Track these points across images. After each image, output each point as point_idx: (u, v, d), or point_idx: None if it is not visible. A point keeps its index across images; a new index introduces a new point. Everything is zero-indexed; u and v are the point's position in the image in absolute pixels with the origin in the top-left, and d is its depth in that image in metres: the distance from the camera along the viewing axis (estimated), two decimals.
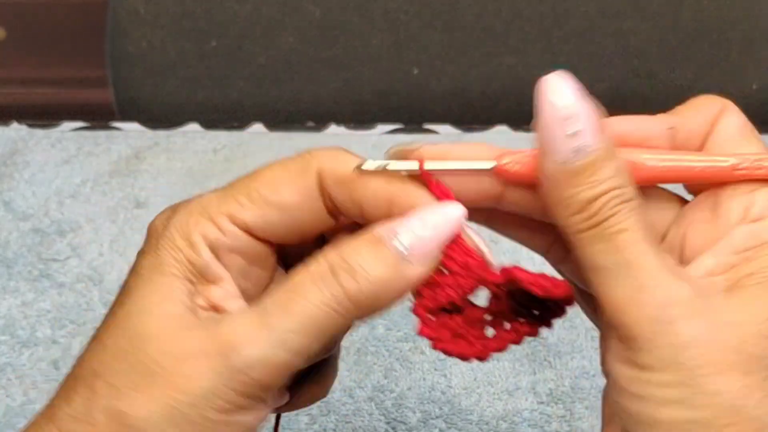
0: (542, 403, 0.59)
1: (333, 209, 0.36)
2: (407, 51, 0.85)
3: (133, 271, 0.36)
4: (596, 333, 0.67)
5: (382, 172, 0.36)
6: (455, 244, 0.36)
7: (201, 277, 0.35)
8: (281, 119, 0.87)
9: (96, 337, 0.35)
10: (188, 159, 0.79)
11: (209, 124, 0.85)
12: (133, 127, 0.84)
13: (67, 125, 0.84)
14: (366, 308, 0.34)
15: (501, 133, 0.83)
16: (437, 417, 0.58)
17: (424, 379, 0.60)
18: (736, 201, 0.35)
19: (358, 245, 0.34)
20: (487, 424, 0.58)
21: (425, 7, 0.83)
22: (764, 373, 0.31)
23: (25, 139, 0.80)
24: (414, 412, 0.59)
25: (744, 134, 0.36)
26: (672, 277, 0.32)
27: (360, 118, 0.86)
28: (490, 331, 0.37)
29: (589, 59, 0.84)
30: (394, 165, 0.36)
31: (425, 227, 0.34)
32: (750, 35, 0.84)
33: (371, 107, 0.87)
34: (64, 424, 0.33)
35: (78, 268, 0.69)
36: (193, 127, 0.85)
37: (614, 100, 0.92)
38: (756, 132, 0.37)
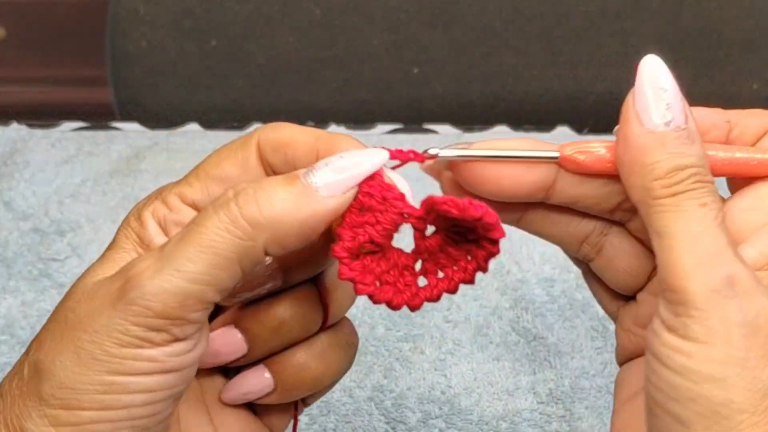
0: (542, 403, 0.59)
1: (267, 170, 0.37)
2: (407, 51, 0.85)
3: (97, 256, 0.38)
4: (596, 333, 0.67)
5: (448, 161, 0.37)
6: (374, 181, 0.36)
7: (147, 247, 0.36)
8: (281, 119, 0.86)
9: (53, 317, 0.37)
10: (188, 159, 0.78)
11: (209, 124, 0.85)
12: (133, 127, 0.84)
13: (67, 125, 0.84)
14: (267, 231, 0.33)
15: (501, 133, 0.83)
16: (437, 417, 0.58)
17: (424, 379, 0.60)
18: None
19: (270, 179, 0.34)
20: (487, 424, 0.58)
21: (425, 7, 0.83)
22: None
23: (25, 139, 0.80)
24: (414, 412, 0.59)
25: None
26: (737, 258, 0.33)
27: (360, 117, 0.86)
28: (422, 282, 0.37)
29: (589, 59, 0.84)
30: (462, 152, 0.37)
31: (342, 164, 0.35)
32: (750, 35, 0.84)
33: (371, 107, 0.87)
34: (5, 385, 0.35)
35: (78, 268, 0.69)
36: (193, 127, 0.85)
37: (614, 100, 0.92)
38: None
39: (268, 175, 0.37)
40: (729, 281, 0.32)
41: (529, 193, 0.37)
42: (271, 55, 0.85)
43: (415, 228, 0.37)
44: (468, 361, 0.61)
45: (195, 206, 0.37)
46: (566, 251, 0.41)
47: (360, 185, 0.35)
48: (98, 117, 0.86)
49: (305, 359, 0.40)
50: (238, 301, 0.40)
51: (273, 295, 0.39)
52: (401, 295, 0.36)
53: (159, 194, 0.38)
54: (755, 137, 0.38)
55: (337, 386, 0.59)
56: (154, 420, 0.34)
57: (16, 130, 0.82)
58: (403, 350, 0.62)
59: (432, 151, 0.37)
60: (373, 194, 0.36)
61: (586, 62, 0.84)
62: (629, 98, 0.36)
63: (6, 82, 0.87)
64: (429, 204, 0.36)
